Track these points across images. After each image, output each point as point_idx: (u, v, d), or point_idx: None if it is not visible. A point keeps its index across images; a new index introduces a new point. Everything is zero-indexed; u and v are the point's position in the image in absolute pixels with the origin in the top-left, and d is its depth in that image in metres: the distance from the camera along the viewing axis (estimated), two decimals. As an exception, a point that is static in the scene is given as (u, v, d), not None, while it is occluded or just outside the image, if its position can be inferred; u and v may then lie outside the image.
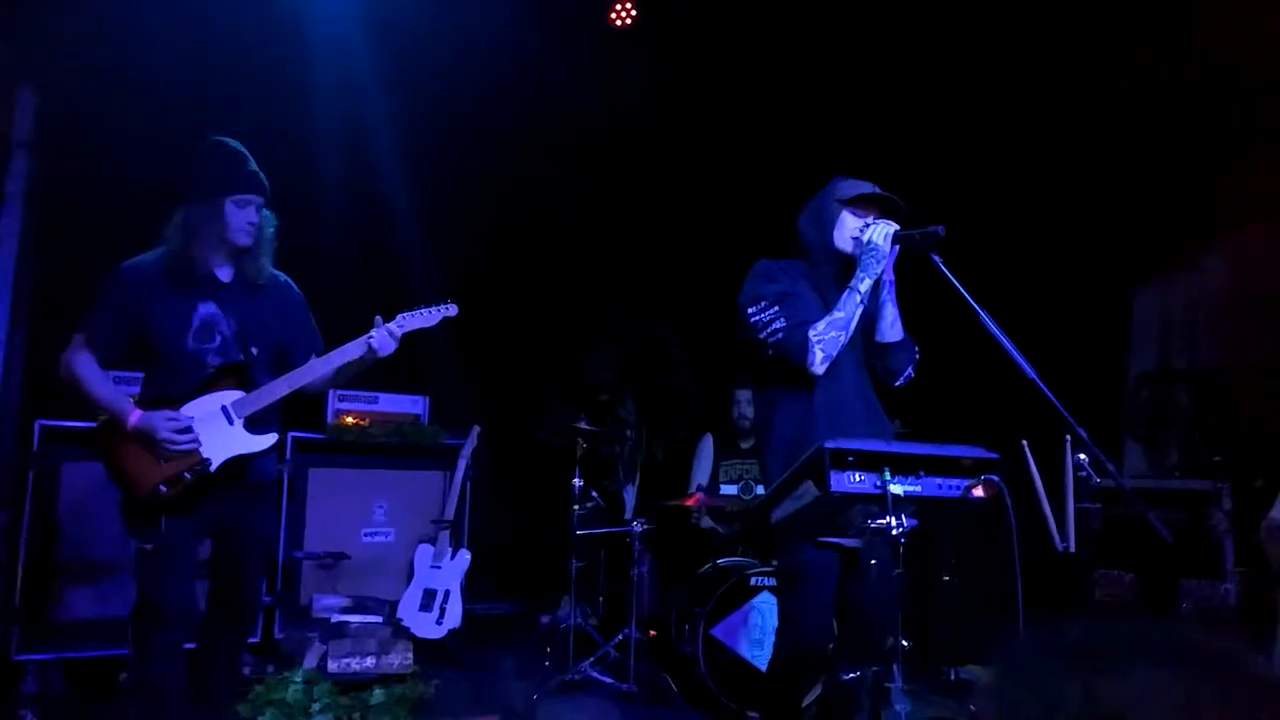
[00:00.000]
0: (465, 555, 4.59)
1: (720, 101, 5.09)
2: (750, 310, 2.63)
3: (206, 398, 2.69)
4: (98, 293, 2.68)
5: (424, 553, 4.54)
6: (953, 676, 4.44)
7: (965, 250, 3.06)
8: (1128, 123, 4.58)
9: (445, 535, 4.56)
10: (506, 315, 5.61)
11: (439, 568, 4.51)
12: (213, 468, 2.67)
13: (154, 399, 2.67)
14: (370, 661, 3.90)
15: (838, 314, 2.58)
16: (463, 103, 4.80)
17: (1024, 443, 2.94)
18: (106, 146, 4.32)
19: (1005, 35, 4.59)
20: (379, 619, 4.18)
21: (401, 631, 4.19)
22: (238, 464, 2.72)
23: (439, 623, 4.42)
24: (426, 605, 4.43)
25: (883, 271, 2.66)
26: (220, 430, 2.69)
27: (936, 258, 2.55)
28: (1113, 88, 4.56)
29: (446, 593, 4.48)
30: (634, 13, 4.54)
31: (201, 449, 2.66)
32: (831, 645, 2.73)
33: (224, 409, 2.70)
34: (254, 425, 2.75)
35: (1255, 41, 4.09)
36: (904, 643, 4.22)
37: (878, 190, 2.71)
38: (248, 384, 2.73)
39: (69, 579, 3.97)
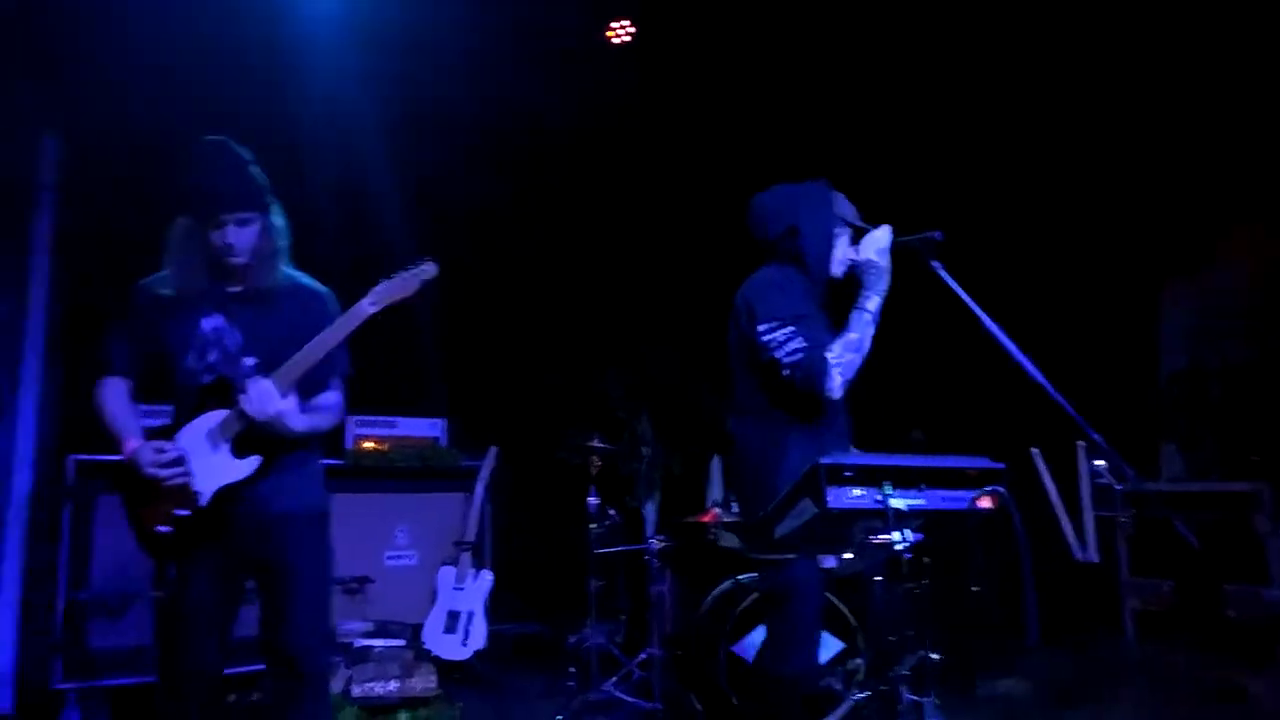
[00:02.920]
0: (488, 576, 4.60)
1: (720, 117, 5.06)
2: (762, 328, 2.55)
3: (198, 421, 2.40)
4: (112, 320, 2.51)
5: (446, 575, 4.55)
6: (987, 691, 4.32)
7: (988, 254, 2.99)
8: (1155, 117, 4.45)
9: (467, 557, 4.57)
10: (519, 335, 5.60)
11: (462, 589, 4.53)
12: (203, 501, 2.35)
13: (158, 429, 2.43)
14: (394, 685, 3.92)
15: (851, 335, 2.51)
16: (466, 124, 4.83)
17: (1035, 451, 2.86)
18: (132, 185, 4.42)
19: (1037, 29, 4.47)
20: (402, 642, 4.21)
21: (425, 655, 4.21)
22: (234, 495, 2.37)
23: (464, 644, 4.43)
24: (450, 627, 4.44)
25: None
26: (208, 457, 2.38)
27: (936, 264, 2.49)
28: (1140, 82, 4.44)
29: (470, 614, 4.49)
30: (631, 30, 4.53)
31: (193, 481, 2.36)
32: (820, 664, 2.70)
33: (210, 432, 2.40)
34: (240, 448, 2.40)
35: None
36: (934, 656, 4.16)
37: (860, 222, 2.69)
38: (233, 402, 2.39)
39: (107, 609, 4.03)
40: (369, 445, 4.71)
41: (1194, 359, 4.53)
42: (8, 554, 3.99)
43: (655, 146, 5.34)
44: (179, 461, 2.35)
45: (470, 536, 4.62)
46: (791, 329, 2.52)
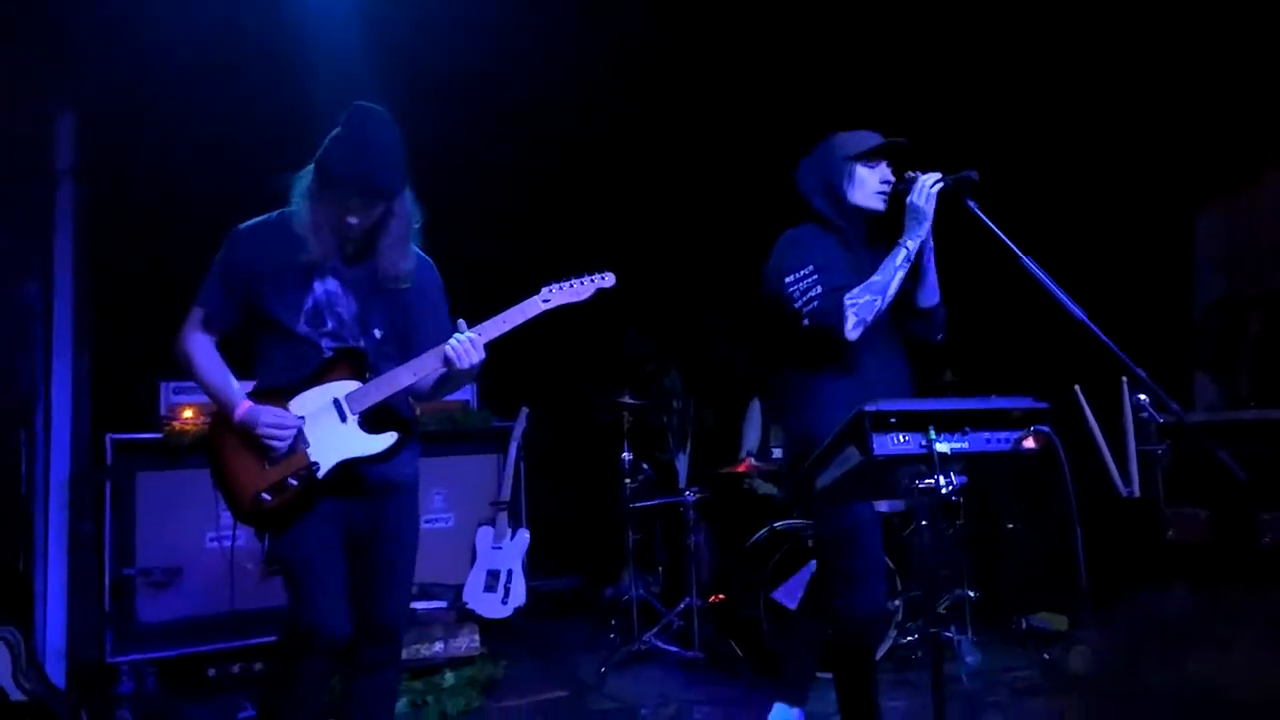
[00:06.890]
0: (525, 534, 4.65)
1: (747, 66, 4.95)
2: (788, 280, 2.58)
3: (317, 389, 2.31)
4: (213, 259, 2.36)
5: (484, 535, 4.61)
6: (1024, 625, 4.36)
7: (1014, 188, 2.93)
8: (1185, 37, 4.31)
9: (503, 516, 4.62)
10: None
11: (500, 548, 4.59)
12: (321, 473, 2.28)
13: (264, 390, 2.33)
14: (438, 646, 3.99)
15: (876, 278, 2.51)
16: (483, 87, 4.74)
17: (1077, 388, 2.83)
18: (153, 165, 4.39)
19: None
20: (444, 604, 4.27)
21: (466, 615, 4.28)
22: (354, 468, 2.32)
23: (504, 602, 4.50)
24: (491, 586, 4.51)
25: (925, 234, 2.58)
26: (331, 428, 2.30)
27: (972, 203, 2.46)
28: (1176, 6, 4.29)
29: (509, 572, 4.55)
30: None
31: (309, 451, 2.28)
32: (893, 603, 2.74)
33: (336, 403, 2.31)
34: (371, 423, 2.34)
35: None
36: (971, 594, 4.19)
37: (883, 140, 2.64)
38: (365, 373, 2.34)
39: (152, 583, 4.11)
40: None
41: (1231, 288, 4.46)
42: (53, 535, 4.05)
43: (682, 98, 5.23)
44: (295, 427, 2.28)
45: (505, 496, 4.67)
46: (813, 278, 2.54)
